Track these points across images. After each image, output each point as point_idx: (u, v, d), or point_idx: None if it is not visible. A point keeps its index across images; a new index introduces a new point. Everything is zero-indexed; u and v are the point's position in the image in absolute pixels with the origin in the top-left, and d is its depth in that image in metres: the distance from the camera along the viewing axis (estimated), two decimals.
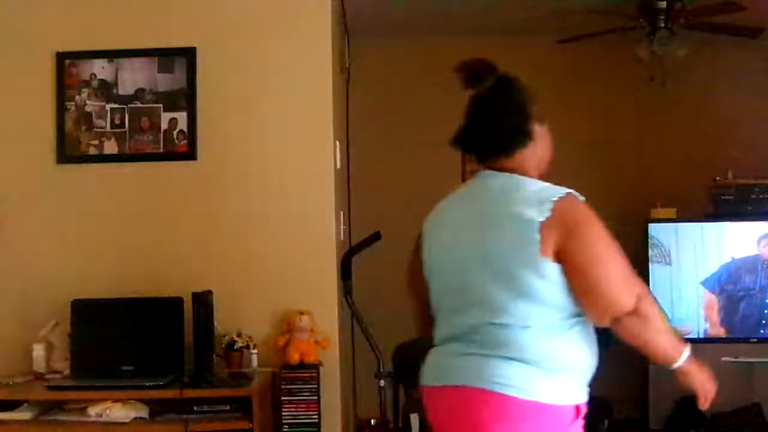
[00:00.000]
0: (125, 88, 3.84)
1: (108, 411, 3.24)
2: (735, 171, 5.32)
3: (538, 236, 2.14)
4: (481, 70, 2.35)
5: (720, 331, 5.22)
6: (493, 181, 2.30)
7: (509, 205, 2.21)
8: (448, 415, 2.22)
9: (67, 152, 3.83)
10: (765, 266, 5.25)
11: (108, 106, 3.84)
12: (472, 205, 2.31)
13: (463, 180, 5.89)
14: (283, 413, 3.55)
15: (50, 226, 3.83)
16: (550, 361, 2.16)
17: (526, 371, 2.13)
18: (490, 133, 2.33)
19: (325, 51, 3.88)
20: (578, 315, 2.20)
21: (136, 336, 3.63)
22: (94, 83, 3.84)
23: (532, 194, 2.22)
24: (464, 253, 2.26)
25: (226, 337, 3.68)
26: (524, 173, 2.31)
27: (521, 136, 2.34)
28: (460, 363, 2.21)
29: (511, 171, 2.30)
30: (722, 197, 5.30)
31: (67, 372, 3.61)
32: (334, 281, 3.87)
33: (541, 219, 2.15)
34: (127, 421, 3.24)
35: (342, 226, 4.30)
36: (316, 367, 3.62)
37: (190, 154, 3.82)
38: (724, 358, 5.13)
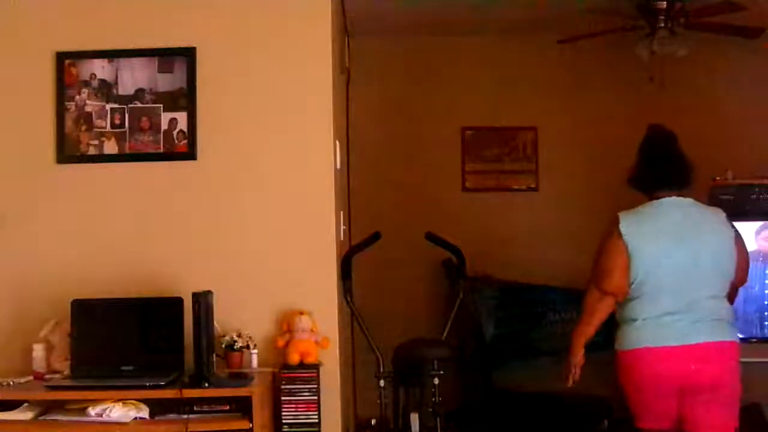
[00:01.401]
0: (125, 88, 3.84)
1: (108, 411, 3.23)
2: (735, 171, 5.31)
3: (734, 243, 3.43)
4: (666, 131, 3.62)
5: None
6: (684, 203, 3.47)
7: (710, 222, 3.46)
8: (702, 361, 3.34)
9: (67, 152, 3.83)
10: (764, 265, 5.26)
11: (108, 106, 3.84)
12: (680, 222, 3.42)
13: (463, 180, 5.96)
14: (283, 413, 3.54)
15: (50, 226, 3.83)
16: (732, 318, 3.48)
17: (732, 326, 3.46)
18: (688, 174, 3.49)
19: (325, 51, 3.88)
20: None
21: (136, 336, 3.63)
22: (94, 83, 3.84)
23: (717, 214, 3.50)
24: (688, 254, 3.37)
25: (226, 337, 3.68)
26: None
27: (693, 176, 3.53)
28: (703, 326, 3.36)
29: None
30: (722, 197, 5.30)
31: (67, 372, 3.61)
32: (334, 281, 3.87)
33: (733, 233, 3.45)
34: (127, 421, 3.23)
35: (342, 226, 4.30)
36: (316, 367, 3.62)
37: (190, 154, 3.82)
38: None
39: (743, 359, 5.04)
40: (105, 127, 3.84)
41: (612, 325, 5.49)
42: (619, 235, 3.41)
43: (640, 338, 3.39)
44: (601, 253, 3.48)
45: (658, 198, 3.46)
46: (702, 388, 3.34)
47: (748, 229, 5.21)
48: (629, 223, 3.43)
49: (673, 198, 3.45)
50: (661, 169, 3.50)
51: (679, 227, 3.41)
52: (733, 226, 3.48)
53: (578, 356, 3.59)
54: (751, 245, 5.19)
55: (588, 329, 3.55)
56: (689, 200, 3.47)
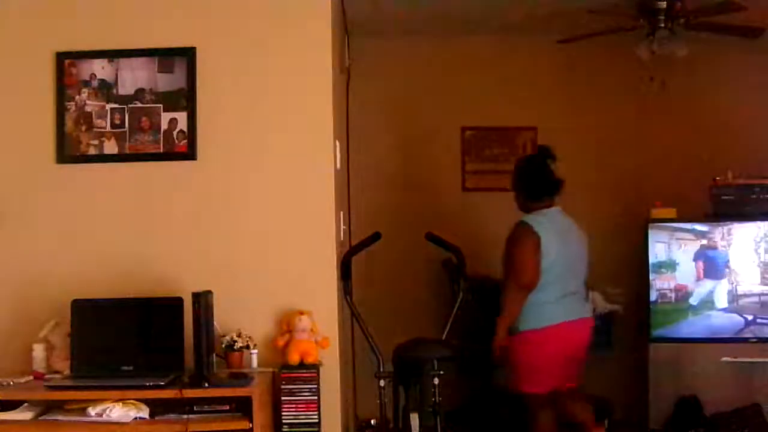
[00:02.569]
0: (125, 88, 3.84)
1: (108, 411, 3.24)
2: (735, 171, 5.32)
3: (586, 244, 4.48)
4: (551, 152, 4.47)
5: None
6: (561, 211, 4.41)
7: (576, 227, 4.44)
8: (584, 333, 4.37)
9: (67, 152, 3.83)
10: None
11: (108, 106, 3.84)
12: (564, 226, 4.38)
13: (463, 180, 5.96)
14: (283, 413, 3.55)
15: (50, 226, 3.83)
16: None
17: None
18: (561, 188, 4.40)
19: (325, 51, 3.88)
20: None
21: (136, 336, 3.63)
22: (94, 83, 3.84)
23: (575, 222, 4.45)
24: (573, 253, 4.36)
25: (226, 337, 3.68)
26: None
27: None
28: (583, 306, 4.43)
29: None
30: (722, 197, 5.30)
31: (67, 372, 3.61)
32: (334, 281, 3.87)
33: (586, 236, 4.48)
34: (127, 421, 3.23)
35: (342, 226, 4.30)
36: (316, 367, 3.62)
37: (190, 154, 3.82)
38: (724, 358, 5.13)
39: (743, 359, 5.11)
40: (105, 127, 3.84)
41: (609, 327, 5.53)
42: (534, 235, 4.24)
43: (557, 315, 4.26)
44: (518, 252, 4.27)
45: (542, 206, 4.37)
46: (584, 352, 4.39)
47: (749, 232, 5.24)
48: (538, 226, 4.26)
49: (555, 207, 4.40)
50: (549, 183, 4.40)
51: (564, 229, 4.35)
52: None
53: (503, 340, 4.34)
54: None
55: (511, 320, 4.31)
56: (560, 208, 4.42)
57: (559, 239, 4.28)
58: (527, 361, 4.33)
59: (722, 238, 5.29)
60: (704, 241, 5.31)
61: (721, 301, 5.28)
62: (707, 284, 5.30)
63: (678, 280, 5.30)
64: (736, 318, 5.25)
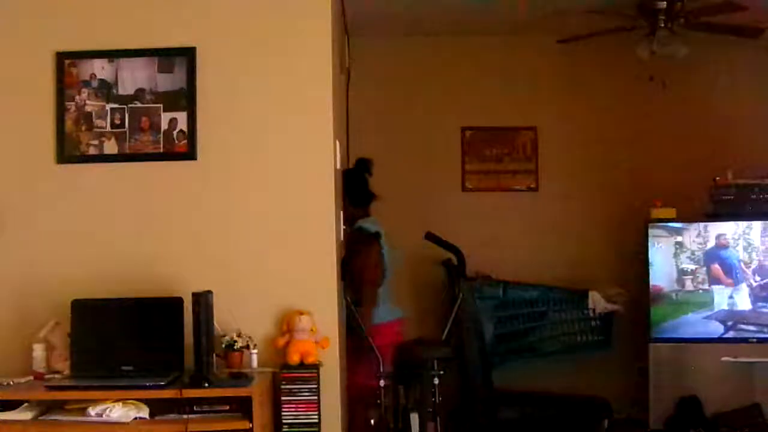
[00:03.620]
0: (125, 88, 3.84)
1: (108, 411, 3.24)
2: (735, 171, 5.32)
3: None
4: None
5: None
6: None
7: None
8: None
9: (67, 152, 3.83)
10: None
11: (108, 106, 3.84)
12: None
13: (463, 180, 5.96)
14: (283, 413, 3.54)
15: (50, 226, 3.83)
16: None
17: None
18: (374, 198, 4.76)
19: (325, 51, 3.88)
20: None
21: (136, 336, 3.62)
22: (94, 83, 3.84)
23: None
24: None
25: (226, 337, 3.68)
26: None
27: None
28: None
29: None
30: (722, 197, 5.31)
31: (67, 372, 3.61)
32: (334, 281, 3.87)
33: None
34: (127, 421, 3.23)
35: (342, 226, 4.30)
36: (316, 367, 3.62)
37: (190, 154, 3.82)
38: (724, 358, 5.13)
39: (744, 359, 5.11)
40: (105, 127, 3.84)
41: (609, 327, 5.51)
42: (377, 242, 4.57)
43: (396, 311, 4.62)
44: (368, 256, 4.48)
45: (364, 215, 4.68)
46: None
47: (749, 232, 5.24)
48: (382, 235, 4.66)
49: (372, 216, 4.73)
50: (367, 193, 4.71)
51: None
52: None
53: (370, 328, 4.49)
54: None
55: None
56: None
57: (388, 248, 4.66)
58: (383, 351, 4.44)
59: (698, 236, 5.29)
60: (678, 238, 5.30)
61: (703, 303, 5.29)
62: (687, 285, 5.29)
63: (652, 281, 5.29)
64: (716, 324, 5.24)
